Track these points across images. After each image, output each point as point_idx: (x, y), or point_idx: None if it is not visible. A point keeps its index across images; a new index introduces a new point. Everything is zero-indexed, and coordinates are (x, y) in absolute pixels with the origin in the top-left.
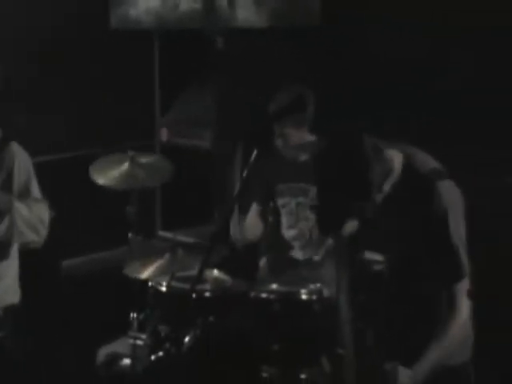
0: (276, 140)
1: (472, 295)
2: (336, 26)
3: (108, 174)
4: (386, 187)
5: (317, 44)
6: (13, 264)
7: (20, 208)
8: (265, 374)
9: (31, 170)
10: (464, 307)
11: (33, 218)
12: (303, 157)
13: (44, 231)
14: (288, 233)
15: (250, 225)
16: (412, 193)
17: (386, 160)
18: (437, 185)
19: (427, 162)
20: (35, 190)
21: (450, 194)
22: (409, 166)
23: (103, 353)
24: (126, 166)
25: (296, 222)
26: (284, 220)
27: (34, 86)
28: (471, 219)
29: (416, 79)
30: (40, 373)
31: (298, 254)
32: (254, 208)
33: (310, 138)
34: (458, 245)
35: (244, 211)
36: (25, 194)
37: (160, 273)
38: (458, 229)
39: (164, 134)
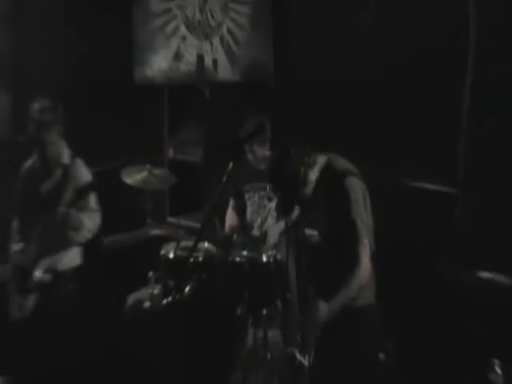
0: (248, 155)
1: (372, 255)
2: (284, 80)
3: (133, 177)
4: (312, 181)
5: (271, 91)
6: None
7: (88, 223)
8: (239, 312)
9: (91, 182)
10: (365, 261)
11: (94, 227)
12: (263, 165)
13: (96, 232)
14: (252, 217)
15: (229, 217)
16: (329, 184)
17: (314, 162)
18: (344, 179)
19: (342, 164)
20: (93, 202)
21: (354, 185)
22: (329, 165)
23: (131, 299)
24: (144, 174)
25: (258, 209)
26: (249, 209)
27: (79, 120)
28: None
29: (344, 113)
30: (87, 314)
31: (256, 232)
32: (231, 202)
33: (269, 153)
34: (356, 218)
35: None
36: (85, 206)
37: None
38: (357, 209)
39: (170, 152)
